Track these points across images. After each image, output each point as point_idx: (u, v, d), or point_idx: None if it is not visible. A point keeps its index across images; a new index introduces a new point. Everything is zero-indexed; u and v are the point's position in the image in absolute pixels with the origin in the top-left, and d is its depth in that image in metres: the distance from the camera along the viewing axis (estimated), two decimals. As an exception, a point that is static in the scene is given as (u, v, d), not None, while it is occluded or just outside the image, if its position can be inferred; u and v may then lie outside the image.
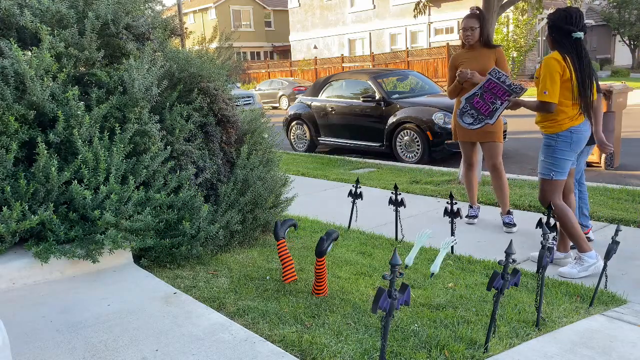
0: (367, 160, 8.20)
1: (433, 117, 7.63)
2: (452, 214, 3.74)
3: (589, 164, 6.72)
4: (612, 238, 2.88)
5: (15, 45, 3.17)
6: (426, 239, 3.52)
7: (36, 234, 3.20)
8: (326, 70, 25.76)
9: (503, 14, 14.17)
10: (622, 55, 30.06)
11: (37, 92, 3.15)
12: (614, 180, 6.09)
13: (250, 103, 15.39)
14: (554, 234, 3.34)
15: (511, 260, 2.41)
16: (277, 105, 22.48)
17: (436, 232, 3.95)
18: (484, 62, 4.22)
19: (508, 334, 2.52)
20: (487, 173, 5.09)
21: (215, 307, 2.81)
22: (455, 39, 22.77)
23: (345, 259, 3.59)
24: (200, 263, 3.51)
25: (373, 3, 27.51)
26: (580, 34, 3.15)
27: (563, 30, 3.18)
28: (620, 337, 2.48)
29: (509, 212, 4.35)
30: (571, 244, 3.47)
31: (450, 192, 3.90)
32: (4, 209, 2.94)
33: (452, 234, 3.71)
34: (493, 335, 2.47)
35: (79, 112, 3.22)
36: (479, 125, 4.06)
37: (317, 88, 9.61)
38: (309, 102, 9.60)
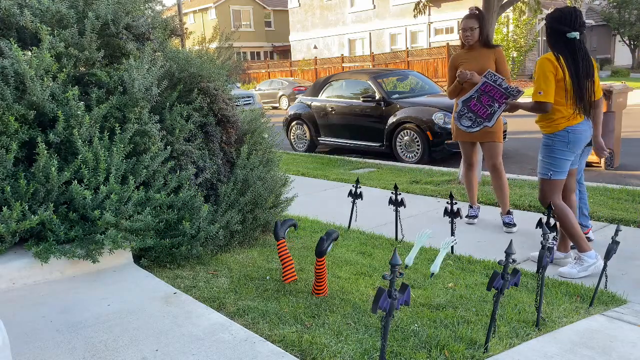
0: (367, 160, 8.20)
1: (433, 117, 7.63)
2: (452, 214, 3.74)
3: (589, 164, 6.72)
4: (612, 238, 2.88)
5: (15, 45, 3.16)
6: (426, 239, 3.52)
7: (36, 234, 3.20)
8: (326, 70, 25.76)
9: (503, 14, 14.15)
10: (622, 55, 30.05)
11: (37, 92, 3.15)
12: (614, 180, 6.09)
13: (250, 103, 15.38)
14: (554, 234, 3.33)
15: (511, 260, 2.41)
16: (277, 105, 22.48)
17: (436, 232, 3.95)
18: (484, 62, 4.22)
19: (508, 334, 2.52)
20: (487, 173, 5.09)
21: (215, 307, 2.81)
22: (455, 39, 22.77)
23: (345, 259, 3.59)
24: (200, 263, 3.51)
25: (373, 3, 27.51)
26: (575, 34, 3.14)
27: (557, 31, 3.19)
28: (620, 337, 2.48)
29: (509, 212, 4.35)
30: (571, 244, 3.47)
31: (450, 192, 3.90)
32: (4, 209, 2.94)
33: (452, 234, 3.71)
34: (493, 335, 2.47)
35: (79, 112, 3.22)
36: (477, 128, 4.07)
37: (317, 88, 9.61)
38: (309, 102, 9.60)
